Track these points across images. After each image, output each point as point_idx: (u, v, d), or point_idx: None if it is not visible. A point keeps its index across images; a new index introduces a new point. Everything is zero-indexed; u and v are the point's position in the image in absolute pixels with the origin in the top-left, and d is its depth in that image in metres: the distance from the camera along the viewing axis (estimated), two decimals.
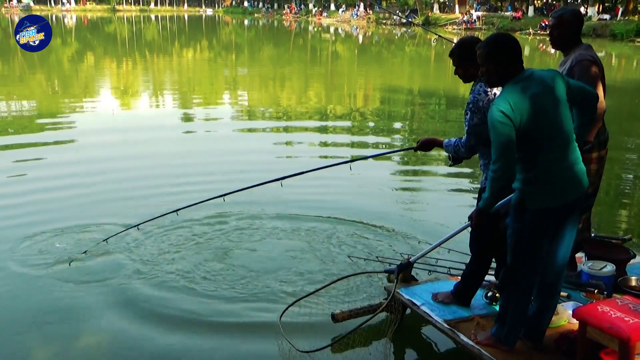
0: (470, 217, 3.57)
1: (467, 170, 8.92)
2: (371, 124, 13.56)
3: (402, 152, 9.97)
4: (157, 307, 4.79)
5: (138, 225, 5.62)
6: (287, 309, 4.13)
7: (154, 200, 7.16)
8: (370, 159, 8.69)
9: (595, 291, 4.11)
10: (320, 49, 39.61)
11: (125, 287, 5.11)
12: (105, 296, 4.98)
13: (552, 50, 27.04)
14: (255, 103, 16.94)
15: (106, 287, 5.12)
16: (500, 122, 3.14)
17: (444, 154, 10.02)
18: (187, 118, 14.03)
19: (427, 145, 4.31)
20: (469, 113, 3.81)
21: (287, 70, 26.12)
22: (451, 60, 3.91)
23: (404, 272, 4.49)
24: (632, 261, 4.51)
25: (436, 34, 7.42)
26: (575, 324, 3.53)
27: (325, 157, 10.20)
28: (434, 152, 10.21)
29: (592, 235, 4.80)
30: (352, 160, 7.75)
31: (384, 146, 11.24)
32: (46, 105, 15.28)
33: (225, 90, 20.05)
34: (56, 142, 10.91)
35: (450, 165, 4.27)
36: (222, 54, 35.86)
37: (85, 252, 5.64)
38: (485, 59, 3.33)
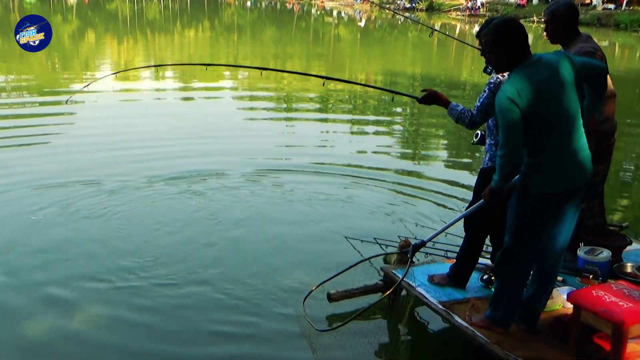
0: (483, 195, 3.55)
1: (468, 152, 8.98)
2: (372, 105, 13.59)
3: (400, 150, 9.97)
4: (157, 298, 4.62)
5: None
6: (309, 294, 4.12)
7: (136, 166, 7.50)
8: (367, 158, 8.82)
9: (591, 277, 4.13)
10: (322, 32, 39.43)
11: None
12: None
13: None
14: (256, 82, 16.89)
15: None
16: (507, 108, 3.13)
17: (443, 139, 10.27)
18: (187, 96, 14.02)
19: (431, 99, 4.02)
20: (487, 91, 3.78)
21: (290, 50, 26.06)
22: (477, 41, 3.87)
23: (401, 254, 4.52)
24: (628, 248, 4.53)
25: (431, 29, 7.33)
26: (569, 308, 3.54)
27: (326, 131, 10.36)
28: (440, 132, 10.55)
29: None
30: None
31: (384, 124, 11.32)
32: (46, 81, 15.23)
33: (226, 70, 19.98)
34: (55, 114, 11.02)
35: (472, 143, 4.25)
36: (224, 34, 35.71)
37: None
38: (493, 45, 3.31)
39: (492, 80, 3.80)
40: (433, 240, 4.80)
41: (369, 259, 4.41)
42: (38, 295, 4.55)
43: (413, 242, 4.59)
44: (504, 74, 3.70)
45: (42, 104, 12.45)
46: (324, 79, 4.73)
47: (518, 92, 3.13)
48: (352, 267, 4.21)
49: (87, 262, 5.04)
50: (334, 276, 4.17)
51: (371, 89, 16.32)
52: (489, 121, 3.98)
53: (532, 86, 3.16)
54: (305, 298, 4.07)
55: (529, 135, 3.22)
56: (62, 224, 5.75)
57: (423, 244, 3.99)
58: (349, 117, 12.31)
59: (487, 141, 4.02)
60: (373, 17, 53.26)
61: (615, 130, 4.38)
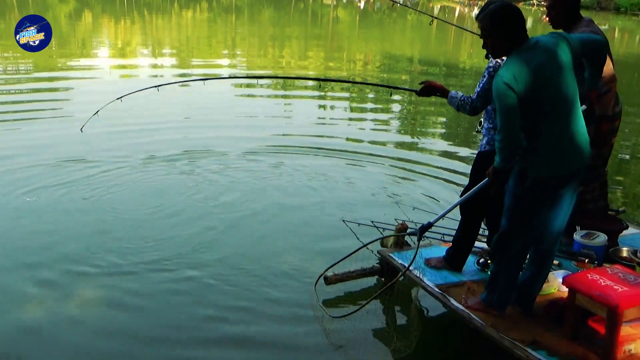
0: (487, 174, 3.54)
1: (467, 134, 8.98)
2: (371, 92, 13.56)
3: (398, 126, 10.01)
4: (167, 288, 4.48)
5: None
6: (319, 278, 4.15)
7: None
8: (366, 134, 8.88)
9: (586, 260, 4.15)
10: (321, 13, 39.20)
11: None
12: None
13: None
14: (254, 60, 16.84)
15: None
16: (504, 93, 3.12)
17: (442, 119, 10.26)
18: (184, 74, 13.97)
19: (430, 90, 4.05)
20: (486, 76, 3.78)
21: (288, 32, 25.94)
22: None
23: (398, 238, 4.53)
24: (624, 232, 4.55)
25: (431, 16, 7.29)
26: (565, 292, 3.55)
27: (325, 112, 10.38)
28: (440, 118, 10.54)
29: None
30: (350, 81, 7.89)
31: (381, 106, 11.33)
32: (42, 60, 15.15)
33: (224, 50, 19.89)
34: (51, 90, 11.03)
35: (477, 131, 4.22)
36: (222, 15, 35.48)
37: None
38: (490, 30, 3.29)
39: (490, 65, 3.79)
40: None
41: (368, 244, 4.41)
42: (26, 281, 4.42)
43: (410, 225, 4.62)
44: (503, 58, 3.68)
45: (38, 78, 12.44)
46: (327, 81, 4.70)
47: (514, 77, 3.12)
48: (354, 253, 4.22)
49: (77, 248, 4.90)
50: (338, 262, 4.19)
51: (370, 71, 16.32)
52: (492, 108, 3.97)
53: (528, 70, 3.15)
54: (316, 283, 4.09)
55: (526, 120, 3.22)
56: (56, 206, 5.71)
57: (430, 225, 3.98)
58: (347, 94, 12.31)
59: (485, 125, 4.02)
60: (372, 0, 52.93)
61: (620, 115, 4.40)
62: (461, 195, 4.06)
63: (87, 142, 7.48)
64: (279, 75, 12.00)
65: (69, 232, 5.23)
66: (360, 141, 8.45)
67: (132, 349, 3.76)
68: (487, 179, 3.57)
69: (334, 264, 4.16)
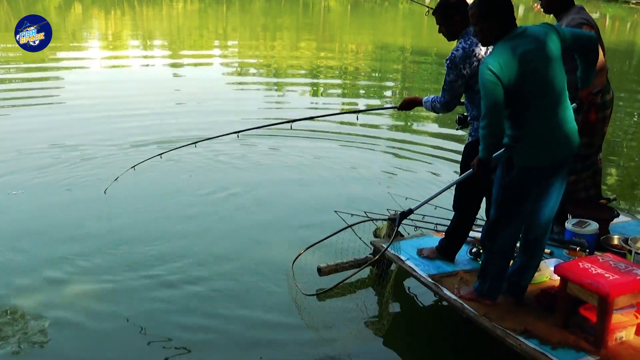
0: (472, 165, 3.54)
1: (456, 130, 8.99)
2: (363, 80, 13.55)
3: (392, 110, 10.00)
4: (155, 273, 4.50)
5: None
6: (297, 257, 4.15)
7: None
8: (360, 116, 8.87)
9: (578, 249, 4.17)
10: (312, 3, 39.04)
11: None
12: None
13: None
14: (245, 54, 16.78)
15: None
16: (490, 81, 3.12)
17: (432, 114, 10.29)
18: (176, 65, 13.93)
19: (409, 104, 4.34)
20: (446, 69, 3.82)
21: (279, 21, 25.85)
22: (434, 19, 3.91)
23: (390, 227, 4.54)
24: (615, 220, 4.57)
25: (427, 7, 7.35)
26: (556, 280, 3.57)
27: (319, 101, 10.38)
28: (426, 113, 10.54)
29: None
30: (340, 113, 8.07)
31: (376, 91, 11.36)
32: (31, 52, 15.08)
33: (215, 40, 19.81)
34: (42, 79, 10.98)
35: (457, 129, 4.27)
36: (213, 5, 35.29)
37: None
38: (478, 18, 3.29)
39: (448, 58, 3.82)
40: (423, 213, 4.86)
41: (354, 225, 4.44)
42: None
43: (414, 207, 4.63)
44: (458, 49, 3.75)
45: (28, 65, 12.38)
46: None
47: (500, 65, 3.12)
48: (338, 232, 4.27)
49: (56, 248, 4.78)
50: (320, 241, 4.21)
51: (362, 60, 16.28)
52: (466, 100, 3.99)
53: (515, 58, 3.14)
54: (294, 261, 4.08)
55: (511, 108, 3.22)
56: (41, 200, 5.62)
57: (410, 211, 4.02)
58: (339, 81, 12.29)
59: (470, 113, 4.02)
60: None
61: (611, 103, 4.41)
62: (455, 192, 4.08)
63: (76, 130, 7.47)
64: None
65: (51, 229, 5.11)
66: (355, 130, 8.40)
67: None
68: (471, 170, 3.59)
69: (310, 246, 4.18)
